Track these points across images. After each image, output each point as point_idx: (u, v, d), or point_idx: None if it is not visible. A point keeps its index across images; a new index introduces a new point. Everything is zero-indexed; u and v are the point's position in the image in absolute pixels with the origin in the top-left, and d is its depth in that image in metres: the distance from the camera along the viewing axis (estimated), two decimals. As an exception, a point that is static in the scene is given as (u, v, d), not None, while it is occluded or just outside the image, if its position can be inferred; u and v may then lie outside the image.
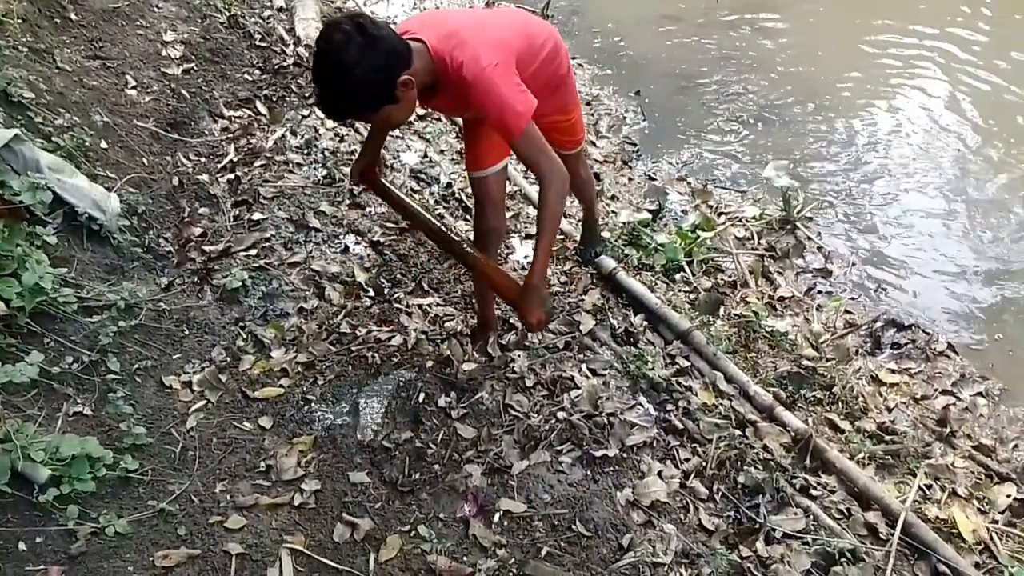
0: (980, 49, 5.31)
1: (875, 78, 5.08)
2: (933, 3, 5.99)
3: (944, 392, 3.02)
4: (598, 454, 2.41)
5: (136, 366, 2.40)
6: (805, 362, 2.98)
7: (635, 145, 4.44)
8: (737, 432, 2.60)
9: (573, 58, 5.22)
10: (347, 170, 3.64)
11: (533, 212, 3.63)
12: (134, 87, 3.57)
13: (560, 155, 2.15)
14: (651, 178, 4.16)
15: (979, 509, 2.52)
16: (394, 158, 3.84)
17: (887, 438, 2.73)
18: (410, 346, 2.73)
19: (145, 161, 3.24)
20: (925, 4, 5.97)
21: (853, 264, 3.62)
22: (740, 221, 3.76)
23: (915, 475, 2.56)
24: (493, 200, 2.50)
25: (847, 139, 4.50)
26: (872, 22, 5.66)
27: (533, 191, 3.72)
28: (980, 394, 3.03)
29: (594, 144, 4.32)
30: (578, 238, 3.35)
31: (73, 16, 3.67)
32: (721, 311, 3.19)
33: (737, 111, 4.74)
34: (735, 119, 4.67)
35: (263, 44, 4.42)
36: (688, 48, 5.37)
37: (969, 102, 4.77)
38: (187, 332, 2.61)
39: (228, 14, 4.49)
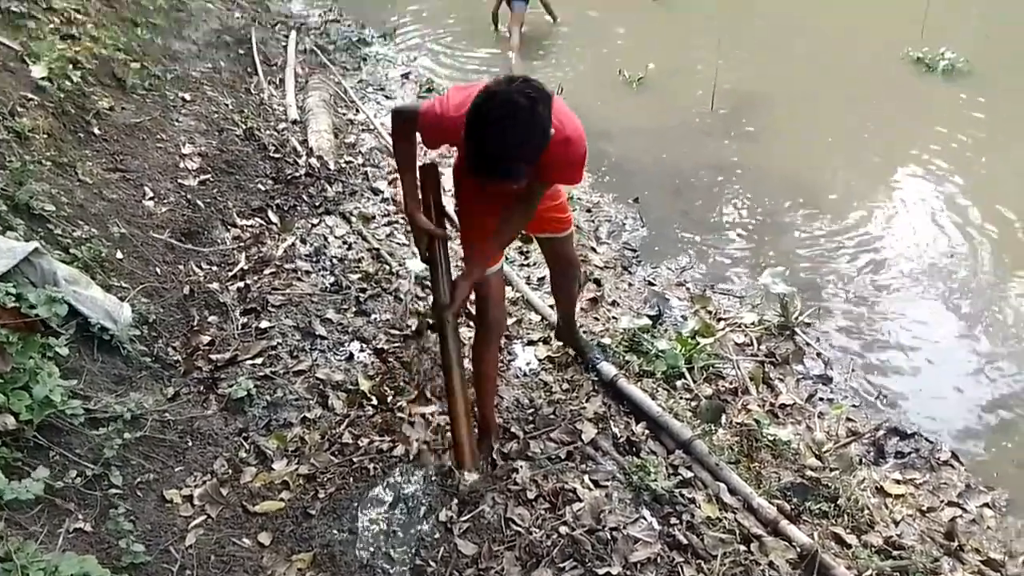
0: (973, 153, 5.50)
1: (870, 182, 5.23)
2: (925, 106, 6.24)
3: (950, 503, 2.98)
4: (601, 572, 2.38)
5: (138, 479, 2.41)
6: (809, 472, 2.96)
7: (635, 251, 4.54)
8: (742, 547, 2.56)
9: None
10: (353, 277, 3.74)
11: (535, 318, 3.70)
12: (151, 198, 3.72)
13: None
14: (651, 283, 4.23)
15: (992, 629, 2.46)
16: (400, 265, 3.93)
17: (895, 553, 2.69)
18: (412, 456, 2.74)
19: (159, 270, 3.34)
20: (917, 107, 6.22)
21: (853, 370, 3.64)
22: (739, 327, 3.81)
23: (925, 593, 2.51)
24: (496, 297, 2.64)
25: (843, 243, 4.60)
26: (865, 125, 5.87)
27: (535, 297, 3.80)
28: (986, 505, 2.99)
29: (594, 250, 4.42)
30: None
31: (96, 131, 3.87)
32: (723, 419, 3.19)
33: (733, 216, 4.87)
34: (731, 224, 4.79)
35: (277, 155, 4.62)
36: (685, 154, 5.56)
37: (967, 204, 4.89)
38: (190, 443, 2.63)
39: (244, 127, 4.71)
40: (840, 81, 6.50)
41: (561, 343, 3.44)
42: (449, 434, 2.85)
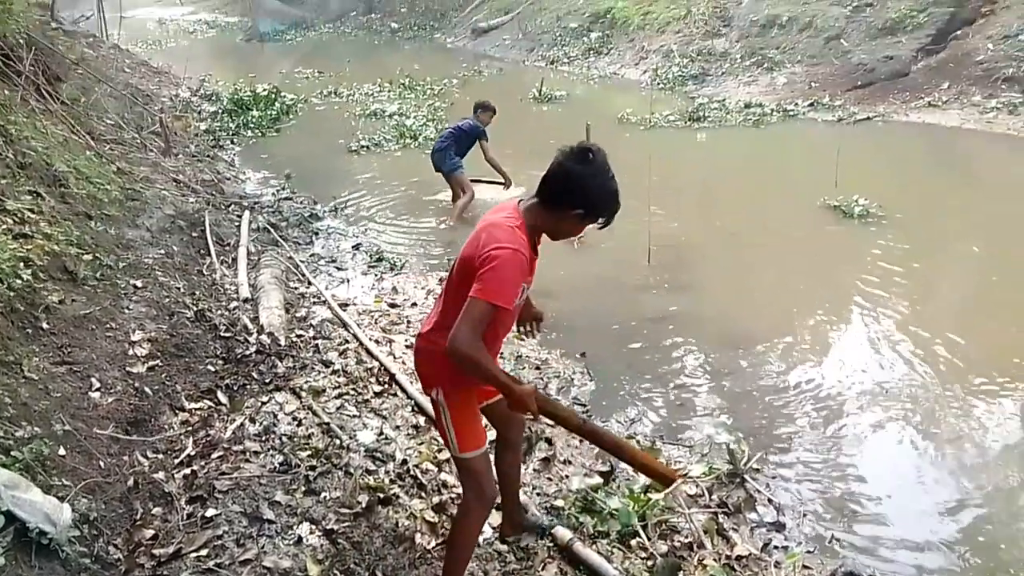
0: (897, 288, 5.85)
1: (803, 324, 5.49)
2: (845, 249, 6.67)
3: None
4: None
5: None
6: (770, 627, 2.93)
7: (585, 406, 4.62)
8: None
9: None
10: (303, 455, 3.73)
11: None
12: (98, 389, 3.73)
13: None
14: (602, 438, 4.29)
15: None
16: (350, 438, 3.94)
17: None
18: (363, 645, 2.65)
19: (102, 464, 3.30)
20: (838, 250, 6.64)
21: (804, 515, 3.68)
22: (690, 477, 3.85)
23: None
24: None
25: (783, 385, 4.76)
26: (793, 269, 6.23)
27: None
28: (950, 648, 2.97)
29: (545, 408, 4.49)
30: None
31: (45, 325, 3.92)
32: (680, 576, 3.17)
33: (677, 366, 5.03)
34: (675, 374, 4.94)
35: (227, 335, 4.70)
36: (626, 307, 5.80)
37: (901, 339, 5.15)
38: (129, 651, 2.51)
39: (195, 309, 4.81)
40: (765, 230, 6.96)
41: (511, 537, 3.29)
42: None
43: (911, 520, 3.67)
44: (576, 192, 2.39)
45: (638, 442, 4.24)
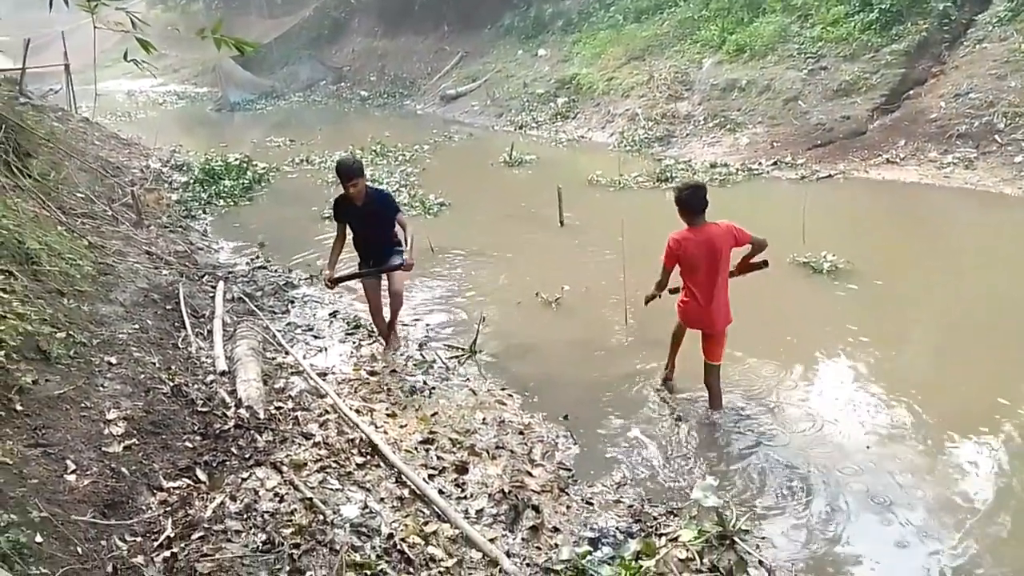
0: (870, 340, 5.95)
1: (789, 381, 5.51)
2: (816, 304, 6.80)
3: None
4: None
5: None
6: None
7: (570, 470, 4.59)
8: None
9: (503, 389, 5.58)
10: (286, 532, 3.65)
11: (476, 556, 3.63)
12: (74, 471, 3.64)
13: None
14: (588, 503, 4.26)
15: None
16: (334, 512, 3.86)
17: None
18: None
19: (79, 550, 3.20)
20: (810, 305, 6.76)
21: (795, 574, 3.66)
22: (679, 541, 3.82)
23: None
24: None
25: (766, 443, 4.78)
26: (767, 325, 6.32)
27: (475, 533, 3.75)
28: None
29: (530, 474, 4.45)
30: None
31: (19, 407, 3.83)
32: (676, 645, 3.12)
33: (660, 426, 5.03)
34: (660, 435, 4.94)
35: (205, 410, 4.62)
36: (607, 367, 5.83)
37: (879, 392, 5.25)
38: None
39: (172, 384, 4.74)
40: (738, 287, 7.04)
41: None
42: None
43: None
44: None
45: (628, 507, 4.22)
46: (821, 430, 4.89)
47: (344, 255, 6.00)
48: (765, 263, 5.01)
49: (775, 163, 12.14)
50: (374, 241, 5.81)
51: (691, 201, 4.66)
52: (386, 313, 6.17)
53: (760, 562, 3.72)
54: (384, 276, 5.93)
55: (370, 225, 5.71)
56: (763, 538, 3.91)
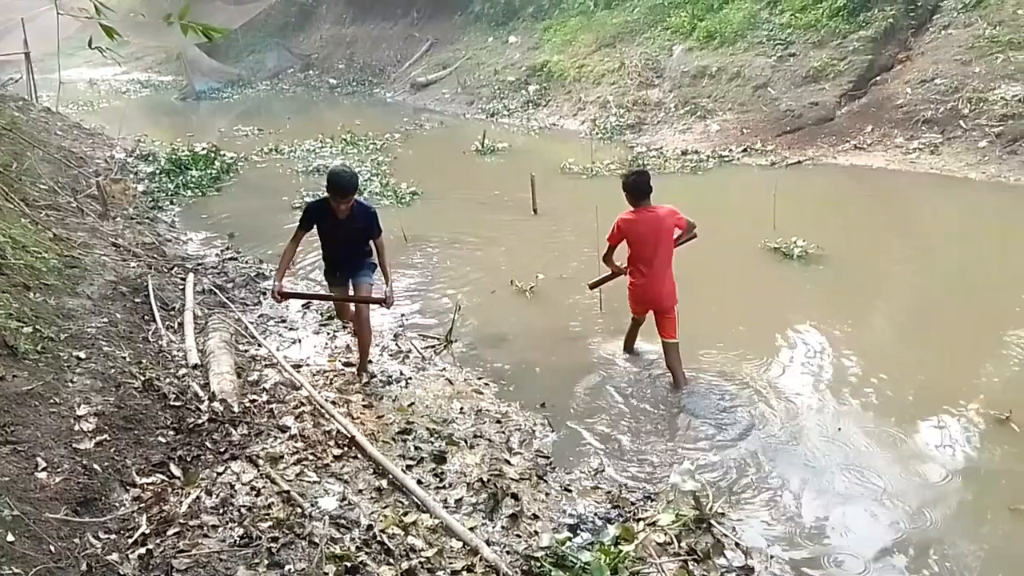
0: (840, 322, 6.05)
1: (764, 367, 5.56)
2: (787, 287, 6.88)
3: None
4: None
5: None
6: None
7: (548, 458, 4.60)
8: None
9: (479, 378, 5.58)
10: (264, 526, 3.62)
11: (457, 545, 3.63)
12: (44, 468, 3.57)
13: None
14: (567, 490, 4.28)
15: None
16: (312, 505, 3.83)
17: None
18: None
19: (53, 548, 3.14)
20: (781, 289, 6.84)
21: (772, 557, 3.72)
22: (657, 525, 3.86)
23: None
24: None
25: (741, 427, 4.83)
26: (739, 309, 6.38)
27: (455, 522, 3.75)
28: None
29: (508, 462, 4.46)
30: None
31: (-15, 404, 3.73)
32: (656, 629, 3.15)
33: (637, 412, 5.07)
34: (636, 420, 4.98)
35: (178, 404, 4.56)
36: (582, 354, 5.85)
37: (856, 380, 5.33)
38: None
39: (143, 379, 4.66)
40: (711, 273, 7.12)
41: None
42: None
43: (874, 559, 3.74)
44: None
45: (606, 493, 4.25)
46: (794, 412, 4.96)
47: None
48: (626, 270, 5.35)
49: (745, 150, 12.25)
50: (345, 255, 5.22)
51: (637, 185, 5.13)
52: (353, 342, 5.68)
53: (736, 544, 3.77)
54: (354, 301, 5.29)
55: (345, 242, 5.11)
56: (739, 520, 3.96)
